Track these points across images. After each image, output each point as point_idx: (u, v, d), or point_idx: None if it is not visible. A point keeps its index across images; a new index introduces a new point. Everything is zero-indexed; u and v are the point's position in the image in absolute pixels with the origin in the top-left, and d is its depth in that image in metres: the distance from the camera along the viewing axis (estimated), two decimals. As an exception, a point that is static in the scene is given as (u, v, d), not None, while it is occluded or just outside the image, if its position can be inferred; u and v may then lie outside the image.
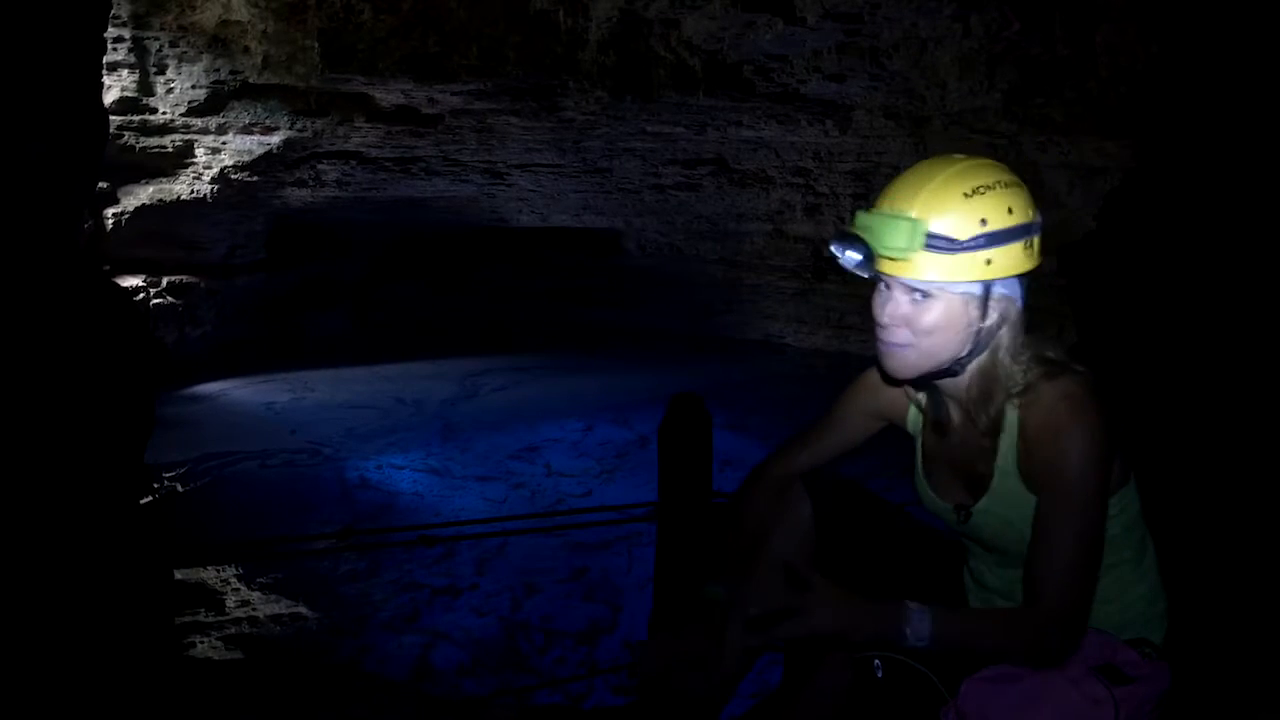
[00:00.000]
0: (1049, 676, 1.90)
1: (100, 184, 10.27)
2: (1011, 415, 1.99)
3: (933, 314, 1.93)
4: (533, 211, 13.95)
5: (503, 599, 6.31)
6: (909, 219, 1.88)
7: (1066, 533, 1.90)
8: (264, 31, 9.75)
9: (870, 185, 12.21)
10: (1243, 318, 7.43)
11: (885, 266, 1.92)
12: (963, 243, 1.88)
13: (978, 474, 2.06)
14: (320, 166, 11.76)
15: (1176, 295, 7.98)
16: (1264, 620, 3.20)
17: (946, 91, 9.94)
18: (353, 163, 11.78)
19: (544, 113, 10.44)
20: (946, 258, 1.88)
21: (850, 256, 1.93)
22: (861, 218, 1.94)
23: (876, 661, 2.01)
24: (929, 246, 1.87)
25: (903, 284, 1.93)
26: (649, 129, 11.06)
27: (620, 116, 10.56)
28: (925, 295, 1.93)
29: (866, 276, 1.96)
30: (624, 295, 15.60)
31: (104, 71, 8.06)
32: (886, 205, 1.94)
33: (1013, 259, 1.92)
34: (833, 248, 1.95)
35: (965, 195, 1.90)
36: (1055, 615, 1.88)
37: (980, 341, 1.97)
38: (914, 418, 2.24)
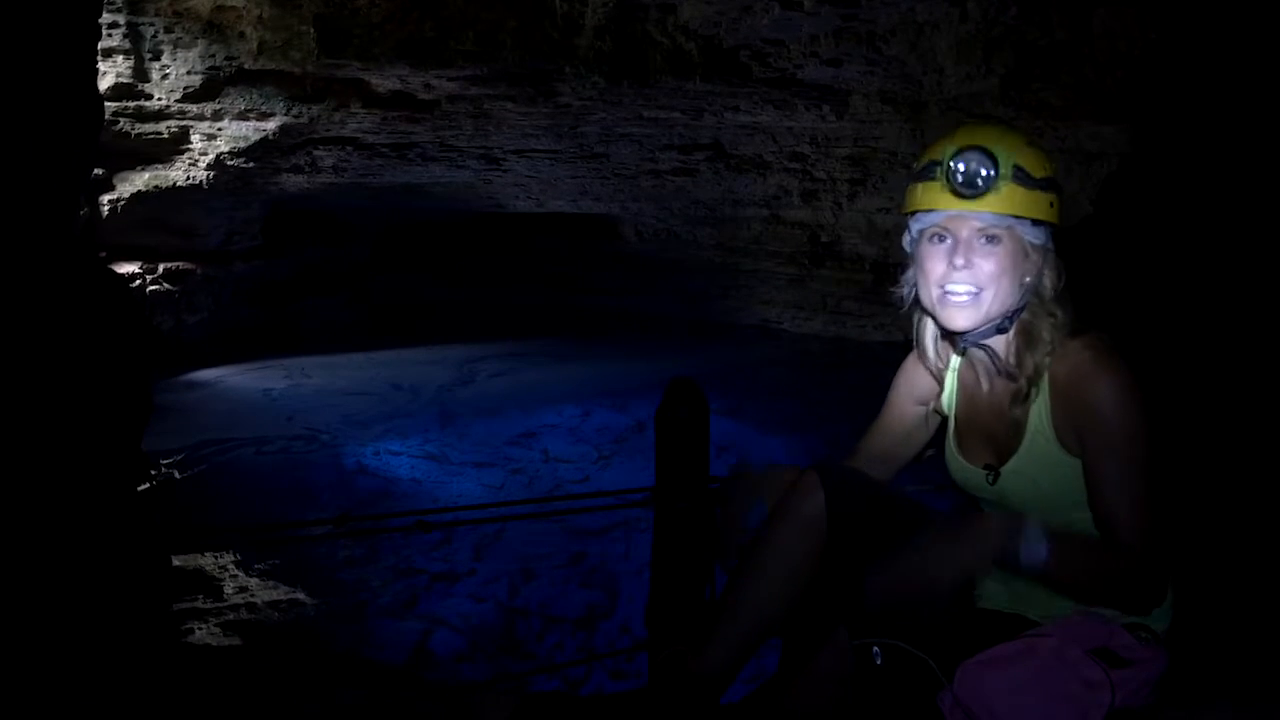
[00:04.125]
0: (1046, 660, 1.91)
1: (96, 170, 10.24)
2: (1045, 369, 2.04)
3: (999, 258, 2.01)
4: (529, 197, 13.93)
5: (500, 585, 6.32)
6: (1000, 150, 1.98)
7: (1121, 472, 1.94)
8: (259, 17, 9.72)
9: (867, 170, 12.21)
10: (1240, 303, 7.44)
11: (975, 203, 2.00)
12: (1037, 180, 2.00)
13: (1009, 436, 2.10)
14: (316, 153, 11.73)
15: (1174, 280, 7.99)
16: (1264, 607, 3.21)
17: (943, 76, 9.93)
18: (349, 149, 11.76)
19: (540, 98, 10.41)
20: (1026, 192, 1.99)
21: (976, 166, 1.99)
22: (956, 146, 2.02)
23: (876, 649, 2.02)
24: (1014, 178, 1.98)
25: (977, 225, 2.01)
26: (645, 114, 11.04)
27: (617, 102, 10.54)
28: (992, 239, 2.01)
29: (967, 199, 2.01)
30: (621, 281, 15.61)
31: (99, 57, 8.03)
32: (968, 142, 2.03)
33: (1059, 209, 2.04)
34: (958, 161, 2.00)
35: (1028, 143, 2.04)
36: (1134, 557, 1.91)
37: (1026, 296, 2.05)
38: (947, 394, 2.28)
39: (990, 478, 2.14)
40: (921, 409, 2.39)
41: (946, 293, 2.04)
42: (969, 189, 1.99)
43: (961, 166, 1.99)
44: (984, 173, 1.98)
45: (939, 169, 2.02)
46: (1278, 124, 7.60)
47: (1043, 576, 1.91)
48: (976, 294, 2.02)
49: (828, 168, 12.50)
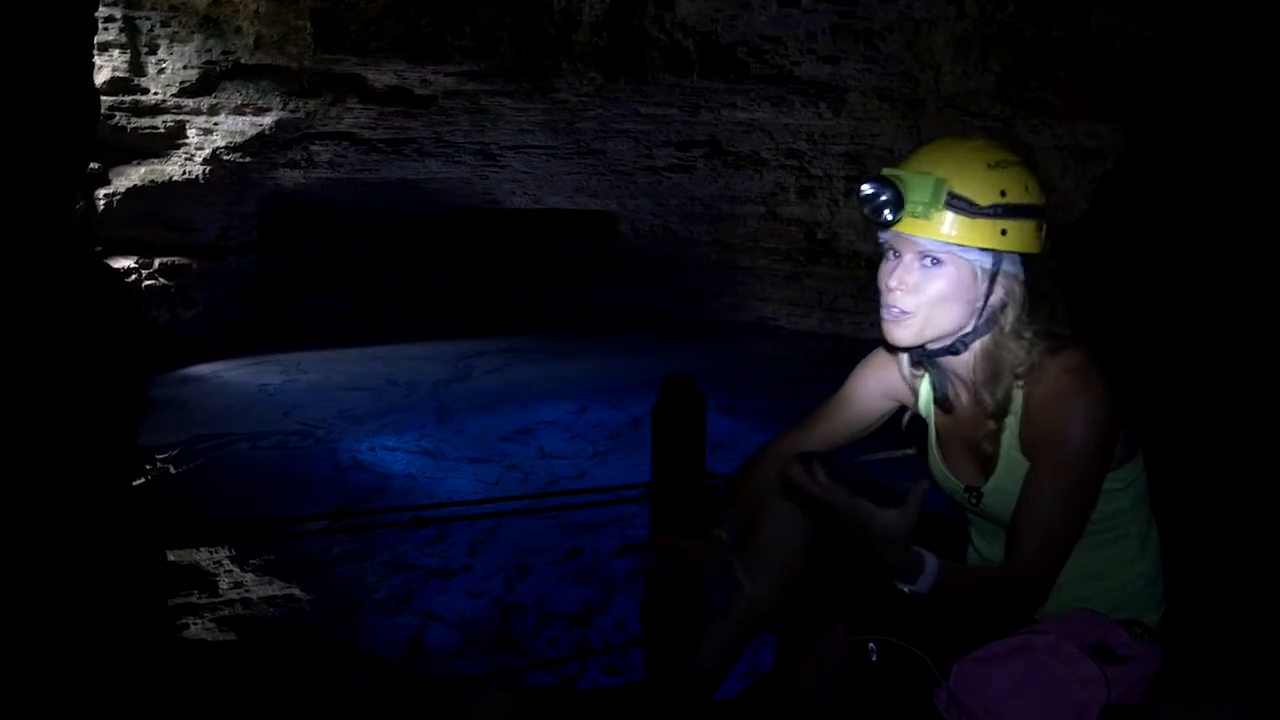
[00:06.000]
0: (1041, 657, 1.91)
1: (92, 165, 10.23)
2: (1018, 395, 2.03)
3: (941, 281, 1.98)
4: (526, 193, 13.92)
5: (496, 580, 6.33)
6: (934, 176, 1.94)
7: (1055, 497, 1.93)
8: (256, 11, 9.71)
9: (864, 167, 12.19)
10: (1236, 302, 7.45)
11: (905, 225, 1.96)
12: (983, 208, 1.94)
13: (986, 454, 2.09)
14: (313, 147, 11.71)
15: (1170, 279, 7.99)
16: (1259, 602, 3.22)
17: (940, 74, 9.92)
18: (345, 144, 11.74)
19: (537, 94, 10.40)
20: (966, 220, 1.94)
21: (880, 198, 1.97)
22: (888, 171, 1.99)
23: (871, 645, 2.02)
24: (949, 205, 1.93)
25: (917, 248, 1.98)
26: (642, 111, 11.03)
27: (614, 98, 10.53)
28: (936, 262, 1.98)
29: (885, 226, 1.99)
30: (617, 277, 15.60)
31: (95, 51, 8.03)
32: (911, 166, 1.99)
33: (1025, 237, 1.98)
34: (864, 188, 1.98)
35: (989, 165, 1.97)
36: (1025, 578, 1.93)
37: (984, 320, 2.02)
38: (925, 398, 2.27)
39: (973, 499, 2.14)
40: (888, 403, 2.38)
41: (886, 308, 2.04)
42: (873, 215, 1.98)
43: (866, 192, 1.98)
44: (885, 213, 1.96)
45: None
46: (1275, 122, 7.61)
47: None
48: (910, 314, 2.00)
49: (824, 165, 12.50)
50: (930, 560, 1.86)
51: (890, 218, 1.96)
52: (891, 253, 2.04)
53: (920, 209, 1.93)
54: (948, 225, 1.94)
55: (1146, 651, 2.00)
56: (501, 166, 12.81)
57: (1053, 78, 9.44)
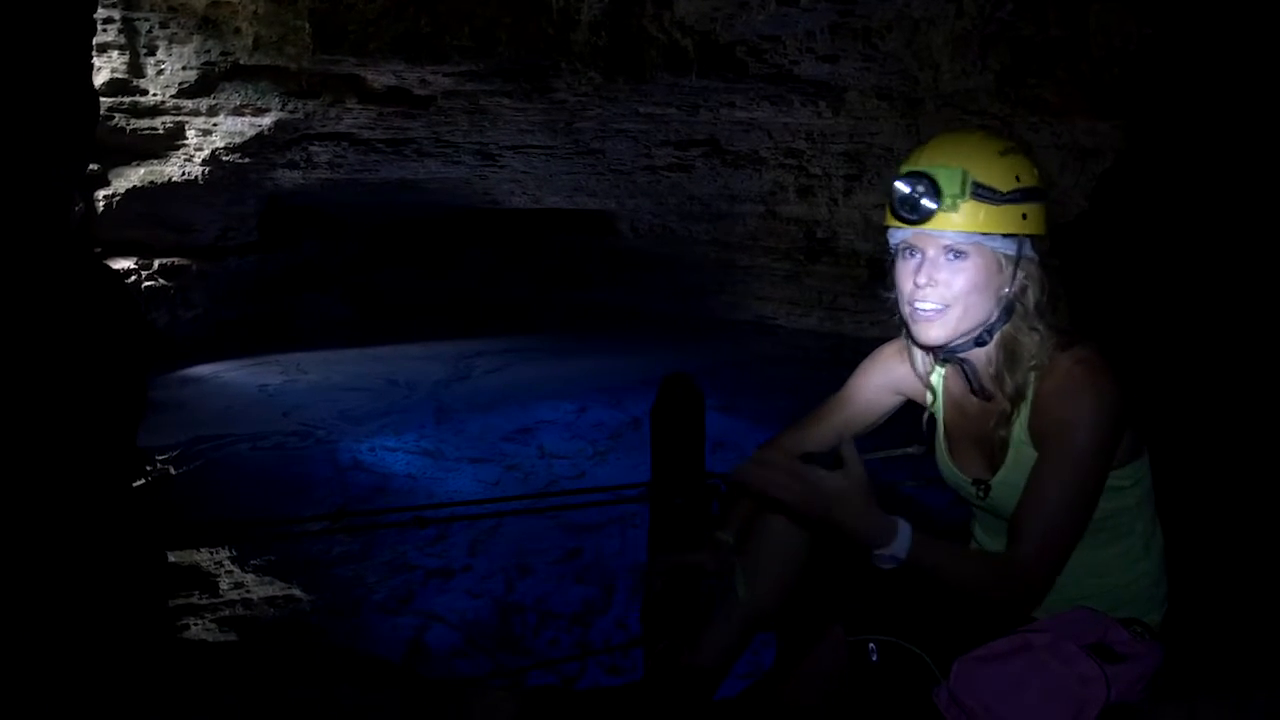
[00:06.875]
0: (1041, 655, 1.91)
1: (91, 166, 10.23)
2: (1029, 388, 2.02)
3: (968, 274, 1.98)
4: (525, 193, 13.92)
5: (496, 580, 6.32)
6: (960, 168, 1.95)
7: (1060, 488, 1.93)
8: (255, 12, 9.72)
9: (863, 166, 12.20)
10: (1237, 300, 7.44)
11: (933, 222, 1.96)
12: (1004, 194, 1.95)
13: (995, 447, 2.09)
14: (312, 148, 11.72)
15: (1170, 276, 7.99)
16: (1259, 602, 3.22)
17: (939, 73, 9.93)
18: (344, 144, 11.75)
19: (536, 94, 10.41)
20: (991, 208, 1.95)
21: (917, 192, 1.96)
22: (913, 167, 1.99)
23: (871, 644, 2.02)
24: (975, 195, 1.94)
25: (942, 243, 1.98)
26: (641, 110, 11.04)
27: (612, 98, 10.54)
28: (960, 255, 1.98)
29: (916, 223, 1.98)
30: (616, 277, 15.60)
31: (94, 53, 8.03)
32: (924, 162, 1.99)
33: (1040, 219, 2.01)
34: (899, 185, 1.98)
35: (1000, 153, 1.99)
36: (1028, 568, 1.91)
37: (1006, 308, 2.02)
38: (935, 398, 2.25)
39: (980, 493, 2.14)
40: (895, 398, 2.37)
41: (915, 308, 2.02)
42: (910, 214, 1.97)
43: (903, 190, 1.97)
44: (924, 203, 1.95)
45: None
46: (1275, 119, 7.61)
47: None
48: (944, 309, 2.00)
49: (824, 164, 12.50)
50: (904, 526, 1.85)
51: (929, 209, 1.95)
52: (907, 253, 2.03)
53: (950, 201, 1.94)
54: (974, 216, 1.95)
55: (1146, 650, 2.00)
56: (501, 166, 12.82)
57: (1051, 76, 9.45)
